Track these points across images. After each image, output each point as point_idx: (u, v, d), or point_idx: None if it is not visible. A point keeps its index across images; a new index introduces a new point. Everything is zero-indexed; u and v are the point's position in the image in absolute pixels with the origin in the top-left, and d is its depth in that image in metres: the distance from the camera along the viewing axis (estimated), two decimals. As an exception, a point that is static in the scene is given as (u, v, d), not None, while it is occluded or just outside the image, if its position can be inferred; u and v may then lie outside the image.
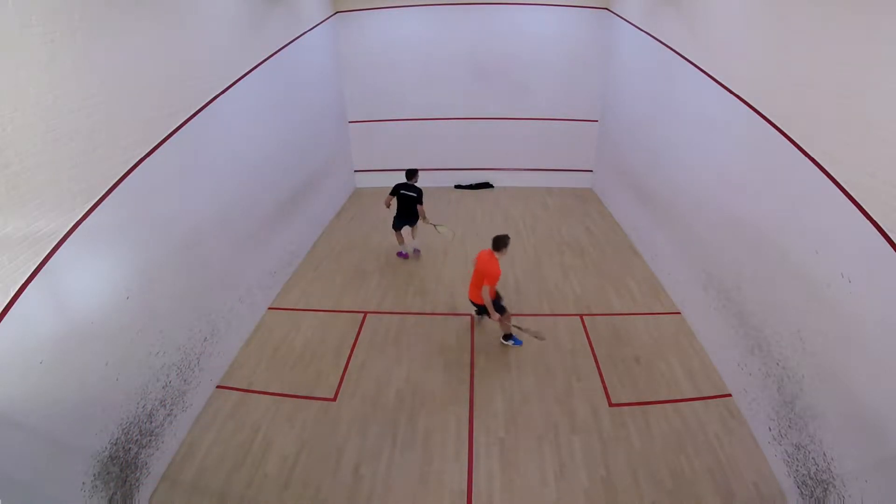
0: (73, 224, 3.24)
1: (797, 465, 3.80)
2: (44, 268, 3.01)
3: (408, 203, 7.09)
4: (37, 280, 2.96)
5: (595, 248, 7.86)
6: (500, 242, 4.99)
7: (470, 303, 5.57)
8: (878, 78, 3.13)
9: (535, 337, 5.20)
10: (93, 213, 3.40)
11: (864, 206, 3.24)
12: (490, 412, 4.73)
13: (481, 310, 5.41)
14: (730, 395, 4.83)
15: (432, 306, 6.41)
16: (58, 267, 3.11)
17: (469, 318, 6.14)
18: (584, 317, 6.10)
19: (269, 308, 6.41)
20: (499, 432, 4.52)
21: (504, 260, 5.10)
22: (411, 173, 7.06)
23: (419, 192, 7.04)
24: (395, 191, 7.08)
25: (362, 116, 10.14)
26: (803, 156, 3.83)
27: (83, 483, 3.35)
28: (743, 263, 4.75)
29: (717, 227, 5.27)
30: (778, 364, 4.14)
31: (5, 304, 2.76)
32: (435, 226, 7.13)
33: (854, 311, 3.32)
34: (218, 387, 5.08)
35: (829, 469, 3.48)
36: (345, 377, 5.21)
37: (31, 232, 2.92)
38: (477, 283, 5.17)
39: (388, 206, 7.16)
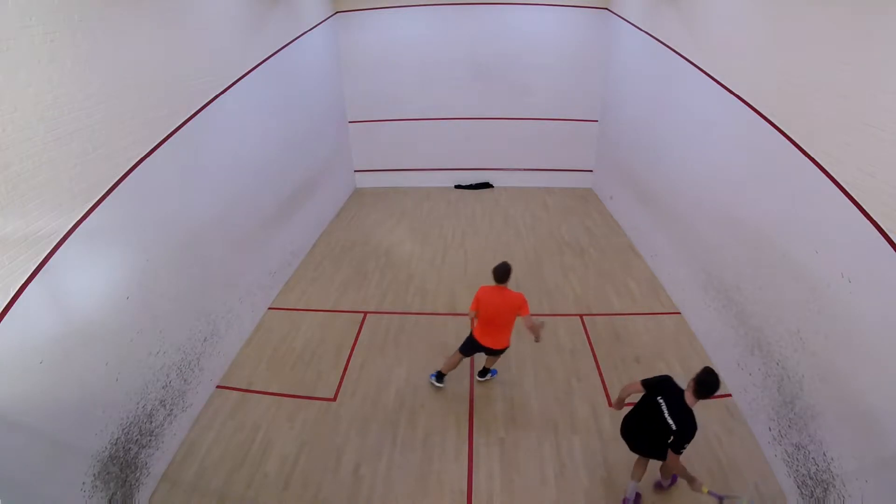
0: (73, 224, 3.24)
1: (797, 465, 3.80)
2: (44, 268, 3.01)
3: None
4: (37, 280, 2.96)
5: (595, 248, 7.85)
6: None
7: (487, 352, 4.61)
8: (878, 78, 3.13)
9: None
10: (93, 213, 3.40)
11: (864, 206, 3.24)
12: (490, 412, 4.73)
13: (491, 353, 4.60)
14: (730, 396, 4.83)
15: (432, 306, 6.40)
16: (58, 267, 3.11)
17: (470, 318, 6.11)
18: (584, 317, 6.10)
19: (269, 308, 6.41)
20: (499, 432, 4.51)
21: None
22: (704, 387, 3.17)
23: (685, 425, 3.21)
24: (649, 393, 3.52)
25: (362, 116, 10.13)
26: (803, 156, 3.82)
27: (83, 483, 3.35)
28: (743, 263, 4.75)
29: (716, 227, 5.27)
30: (778, 364, 4.14)
31: (5, 304, 2.76)
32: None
33: (854, 311, 3.32)
34: (218, 387, 5.08)
35: (829, 469, 3.48)
36: (345, 377, 5.21)
37: (31, 232, 2.92)
38: (504, 324, 4.38)
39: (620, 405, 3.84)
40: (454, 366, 4.86)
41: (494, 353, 4.68)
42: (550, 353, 5.47)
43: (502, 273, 4.27)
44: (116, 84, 3.59)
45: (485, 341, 4.50)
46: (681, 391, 3.32)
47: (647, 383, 3.49)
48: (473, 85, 9.77)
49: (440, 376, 4.98)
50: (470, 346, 4.67)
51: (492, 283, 4.36)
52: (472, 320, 4.63)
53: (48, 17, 2.99)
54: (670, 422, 3.25)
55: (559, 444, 4.36)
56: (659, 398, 3.39)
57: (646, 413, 3.45)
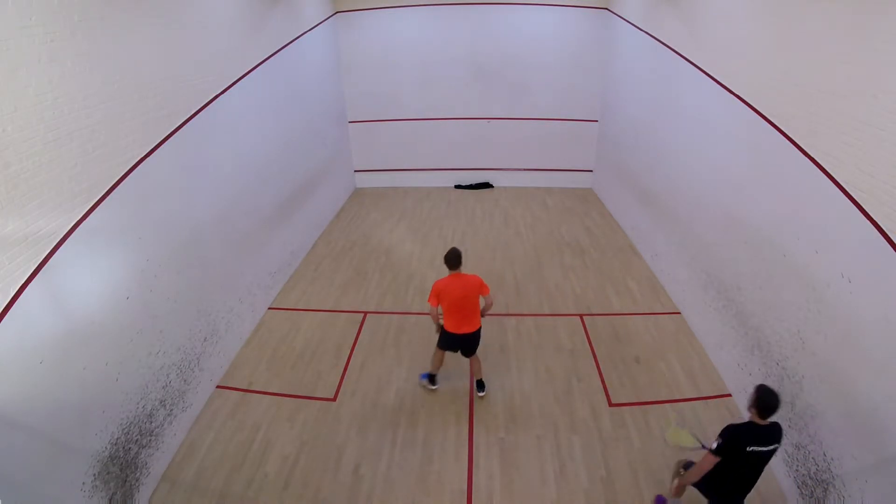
0: (73, 224, 3.24)
1: (797, 465, 3.80)
2: (44, 268, 3.01)
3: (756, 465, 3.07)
4: (37, 280, 2.96)
5: (595, 248, 7.85)
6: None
7: (469, 342, 4.62)
8: (878, 78, 3.13)
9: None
10: (93, 213, 3.40)
11: (864, 206, 3.24)
12: (490, 412, 4.73)
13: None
14: (730, 395, 4.83)
15: (432, 306, 6.40)
16: (58, 267, 3.11)
17: (432, 316, 6.07)
18: (584, 317, 6.10)
19: (269, 308, 6.41)
20: (499, 432, 4.51)
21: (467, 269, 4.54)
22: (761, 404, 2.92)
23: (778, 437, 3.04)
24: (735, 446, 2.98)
25: (362, 116, 10.14)
26: (803, 156, 3.82)
27: (83, 483, 3.35)
28: (743, 263, 4.75)
29: (717, 227, 5.26)
30: (778, 364, 4.14)
31: (5, 304, 2.76)
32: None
33: (854, 311, 3.32)
34: (218, 387, 5.08)
35: (829, 469, 3.48)
36: (345, 377, 5.21)
37: (31, 232, 2.92)
38: (473, 308, 4.45)
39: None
40: (440, 363, 4.85)
41: (471, 345, 4.64)
42: (550, 353, 5.47)
43: (456, 259, 4.40)
44: (116, 84, 3.59)
45: (462, 330, 4.51)
46: (749, 424, 2.98)
47: (721, 449, 2.97)
48: (473, 85, 9.78)
49: (432, 378, 4.96)
50: (448, 341, 4.65)
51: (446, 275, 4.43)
52: (436, 317, 4.53)
53: (48, 17, 2.99)
54: (772, 448, 2.99)
55: (559, 444, 4.36)
56: (747, 448, 2.94)
57: (741, 471, 3.05)
